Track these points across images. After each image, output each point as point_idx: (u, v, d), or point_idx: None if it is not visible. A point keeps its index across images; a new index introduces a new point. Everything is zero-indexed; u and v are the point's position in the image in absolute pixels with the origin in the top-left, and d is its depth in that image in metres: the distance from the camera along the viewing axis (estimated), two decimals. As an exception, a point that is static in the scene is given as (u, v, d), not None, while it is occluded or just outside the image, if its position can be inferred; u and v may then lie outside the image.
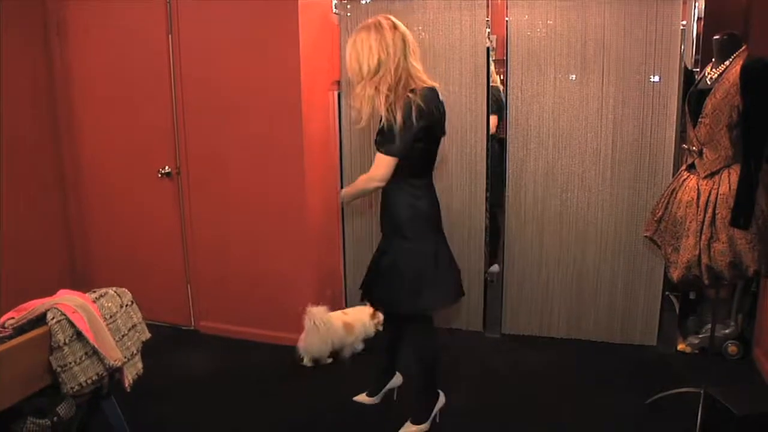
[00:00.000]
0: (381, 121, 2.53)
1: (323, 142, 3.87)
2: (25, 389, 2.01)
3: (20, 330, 2.06)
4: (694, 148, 2.69)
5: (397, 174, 2.58)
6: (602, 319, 3.84)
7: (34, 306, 2.11)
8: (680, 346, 3.73)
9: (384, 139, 2.53)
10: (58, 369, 2.04)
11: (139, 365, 2.40)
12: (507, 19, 3.63)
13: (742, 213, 2.48)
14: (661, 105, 3.50)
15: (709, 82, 2.65)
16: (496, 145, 3.95)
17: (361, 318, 3.71)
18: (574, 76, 3.61)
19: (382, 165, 2.56)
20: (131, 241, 4.16)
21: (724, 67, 2.61)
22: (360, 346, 3.72)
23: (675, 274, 2.73)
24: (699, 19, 3.35)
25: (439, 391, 2.96)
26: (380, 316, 3.64)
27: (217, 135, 3.75)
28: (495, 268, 4.04)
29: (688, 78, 3.36)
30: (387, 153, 2.53)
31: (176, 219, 4.01)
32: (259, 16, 3.50)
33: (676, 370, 3.49)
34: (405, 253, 2.66)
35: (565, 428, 2.95)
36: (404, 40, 2.55)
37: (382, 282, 2.75)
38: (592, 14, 3.52)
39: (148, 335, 2.48)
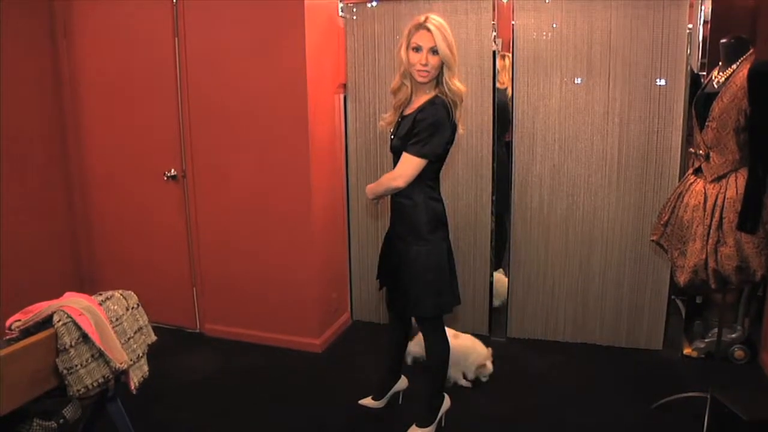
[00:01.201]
0: (415, 118, 2.52)
1: (329, 145, 3.87)
2: (32, 391, 2.01)
3: (26, 332, 2.06)
4: (701, 151, 2.69)
5: (419, 175, 2.56)
6: (608, 322, 3.83)
7: (41, 308, 2.12)
8: (686, 351, 3.72)
9: (418, 140, 2.49)
10: (64, 371, 2.05)
11: (145, 368, 2.40)
12: (513, 22, 3.63)
13: (749, 217, 2.48)
14: (667, 109, 3.49)
15: (716, 86, 2.64)
16: (503, 149, 3.95)
17: (476, 349, 3.42)
18: (580, 79, 3.60)
19: (412, 166, 2.52)
20: (137, 244, 4.17)
21: (732, 70, 2.60)
22: (463, 378, 3.40)
23: (682, 279, 2.72)
24: (705, 22, 3.34)
25: (445, 395, 2.96)
26: (489, 366, 3.41)
27: (223, 138, 3.75)
28: (500, 272, 4.04)
29: (695, 81, 3.35)
30: (418, 155, 2.51)
31: (182, 222, 4.01)
32: (265, 19, 3.51)
33: (682, 375, 3.48)
34: (426, 255, 2.64)
35: (570, 432, 2.95)
36: None
37: (404, 286, 2.69)
38: (598, 18, 3.51)
39: (153, 338, 2.49)
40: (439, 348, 2.83)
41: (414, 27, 2.53)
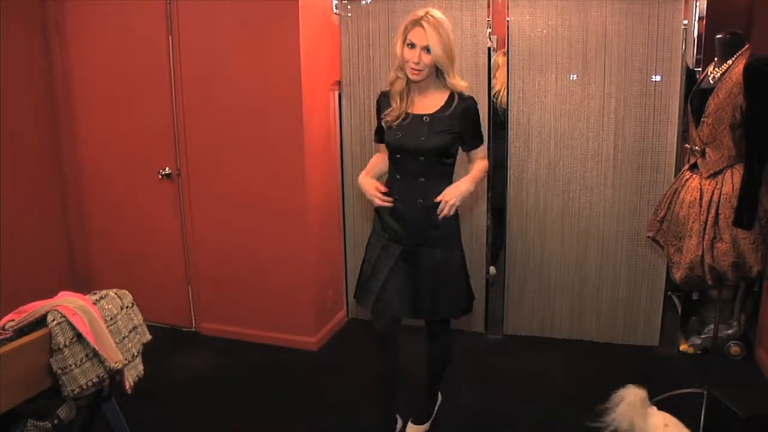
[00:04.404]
0: (463, 114, 2.52)
1: (324, 142, 3.86)
2: (26, 392, 2.00)
3: (20, 332, 2.05)
4: (696, 147, 2.68)
5: (449, 174, 2.58)
6: (604, 319, 3.83)
7: (35, 308, 2.10)
8: (682, 347, 3.72)
9: (475, 134, 2.63)
10: (59, 371, 2.03)
11: (140, 367, 2.39)
12: (508, 19, 3.62)
13: (745, 213, 2.47)
14: (662, 104, 3.49)
15: (711, 82, 2.64)
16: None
17: None
18: (575, 75, 3.60)
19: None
20: (132, 243, 4.15)
21: (727, 66, 2.60)
22: None
23: (678, 275, 2.72)
24: (701, 18, 3.34)
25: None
26: None
27: (218, 136, 3.74)
28: (492, 270, 4.03)
29: (690, 77, 3.35)
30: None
31: (177, 220, 4.00)
32: (259, 17, 3.49)
33: (678, 371, 3.48)
34: (462, 254, 2.67)
35: (567, 429, 2.95)
36: None
37: (452, 289, 2.64)
38: (593, 14, 3.51)
39: (148, 337, 2.47)
40: (449, 349, 2.84)
41: (411, 23, 2.43)
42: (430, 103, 2.55)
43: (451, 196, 2.49)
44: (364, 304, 2.68)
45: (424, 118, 2.53)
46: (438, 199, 2.50)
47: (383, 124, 2.61)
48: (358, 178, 2.72)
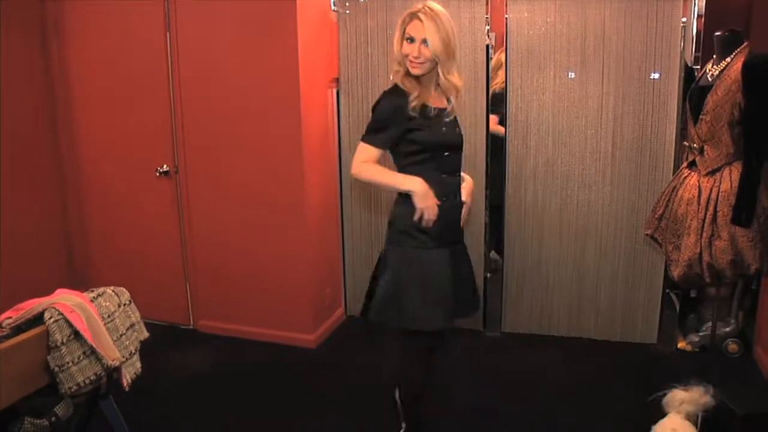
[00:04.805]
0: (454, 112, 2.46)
1: (322, 139, 3.85)
2: (23, 389, 2.00)
3: (17, 329, 2.05)
4: (695, 145, 2.69)
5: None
6: (603, 316, 3.83)
7: (32, 305, 2.10)
8: (680, 344, 3.72)
9: None
10: (56, 369, 2.03)
11: (138, 365, 2.39)
12: (506, 16, 3.61)
13: (743, 210, 2.48)
14: (661, 102, 3.48)
15: (710, 79, 2.64)
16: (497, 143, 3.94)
17: None
18: (573, 73, 3.59)
19: None
20: (130, 240, 4.14)
21: (726, 63, 2.60)
22: None
23: (676, 272, 2.72)
24: (699, 16, 3.34)
25: None
26: None
27: (216, 133, 3.73)
28: (494, 255, 4.02)
29: (689, 75, 3.35)
30: None
31: (175, 218, 3.99)
32: (257, 14, 3.48)
33: (676, 368, 3.48)
34: None
35: (565, 427, 2.95)
36: None
37: (474, 283, 2.67)
38: (592, 11, 3.50)
39: (146, 334, 2.47)
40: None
41: (408, 15, 2.34)
42: (441, 95, 2.44)
43: (470, 197, 2.52)
44: (448, 322, 2.48)
45: (435, 111, 2.41)
46: (464, 199, 2.49)
47: (417, 117, 2.34)
48: (416, 185, 2.31)
